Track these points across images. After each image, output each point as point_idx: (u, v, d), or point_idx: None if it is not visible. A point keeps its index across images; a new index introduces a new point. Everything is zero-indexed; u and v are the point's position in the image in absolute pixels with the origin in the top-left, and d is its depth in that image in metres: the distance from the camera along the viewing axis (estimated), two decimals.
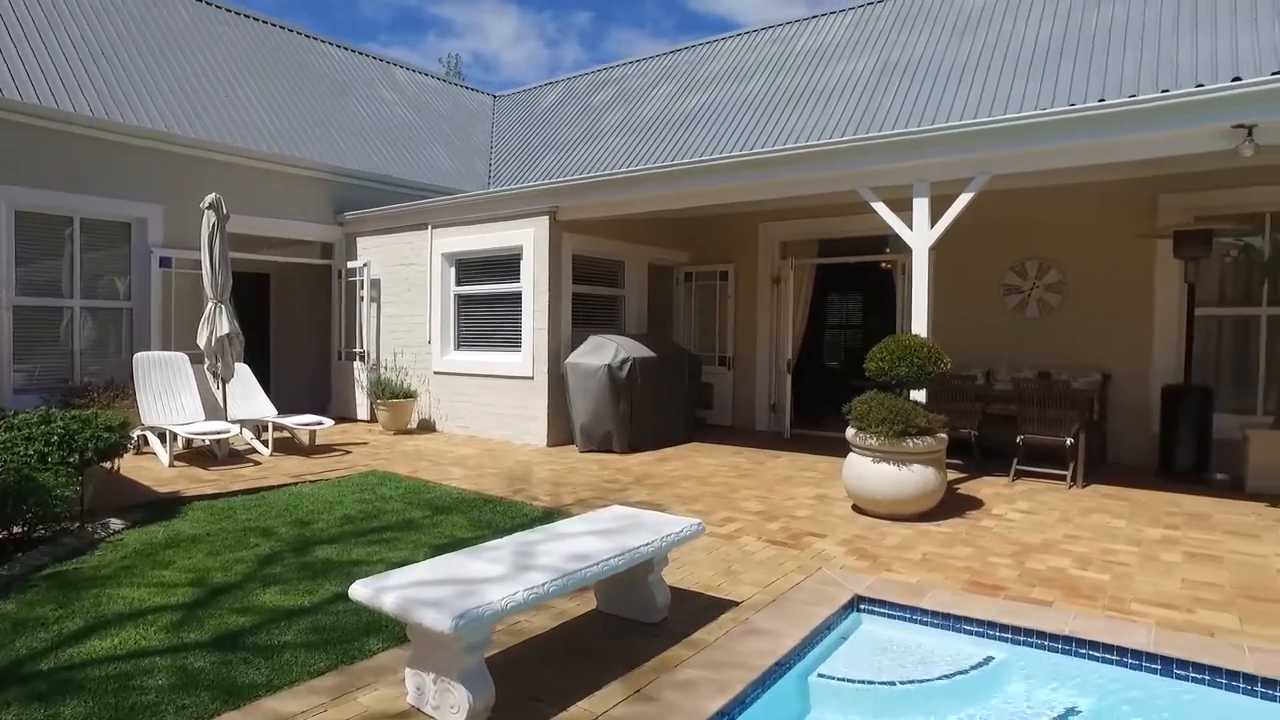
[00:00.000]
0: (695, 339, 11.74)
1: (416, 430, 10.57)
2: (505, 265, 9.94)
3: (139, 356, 8.53)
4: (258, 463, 8.06)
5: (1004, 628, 3.92)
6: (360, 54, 15.55)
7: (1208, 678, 3.48)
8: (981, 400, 8.21)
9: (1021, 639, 3.87)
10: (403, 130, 14.21)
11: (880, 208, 7.11)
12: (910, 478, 5.85)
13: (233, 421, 8.52)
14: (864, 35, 12.80)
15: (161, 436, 8.09)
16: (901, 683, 3.54)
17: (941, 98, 10.43)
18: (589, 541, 3.50)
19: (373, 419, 11.12)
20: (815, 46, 13.29)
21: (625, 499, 6.56)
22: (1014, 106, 9.57)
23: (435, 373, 10.61)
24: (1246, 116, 5.57)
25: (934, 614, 4.09)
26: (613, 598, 3.84)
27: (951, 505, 6.39)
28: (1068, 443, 7.27)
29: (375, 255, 11.46)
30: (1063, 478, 7.41)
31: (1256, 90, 5.47)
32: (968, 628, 4.00)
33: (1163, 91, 5.93)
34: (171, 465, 7.73)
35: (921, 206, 6.87)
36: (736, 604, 4.12)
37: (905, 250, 10.01)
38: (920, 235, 6.89)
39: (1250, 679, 3.41)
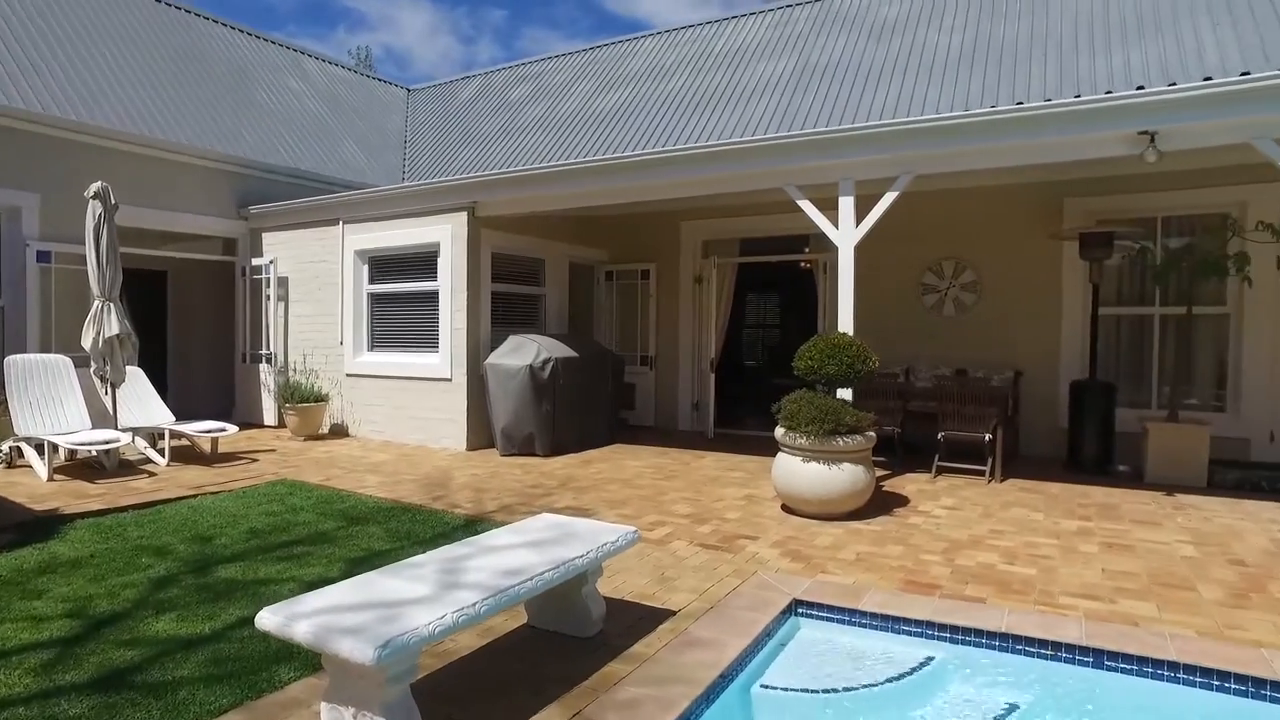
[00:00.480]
0: (616, 339, 11.59)
1: (328, 436, 10.04)
2: (422, 263, 9.54)
3: (10, 360, 7.76)
4: (152, 474, 7.45)
5: (942, 627, 3.90)
6: (266, 40, 14.75)
7: (1136, 668, 3.54)
8: (903, 398, 8.34)
9: (960, 638, 3.86)
10: (312, 122, 13.54)
11: (807, 206, 7.11)
12: (840, 477, 5.85)
13: (124, 430, 7.87)
14: (783, 37, 12.92)
15: (39, 448, 7.38)
16: (846, 689, 3.46)
17: (860, 100, 10.59)
18: (520, 554, 3.28)
19: (281, 425, 10.52)
20: (734, 47, 13.34)
21: (551, 504, 6.34)
22: (930, 110, 9.79)
23: (348, 375, 10.10)
24: (1150, 124, 5.79)
25: (873, 615, 4.04)
26: (545, 612, 3.63)
27: (879, 503, 6.43)
28: (986, 439, 7.45)
29: (283, 252, 10.84)
30: (982, 473, 7.59)
31: (1159, 100, 5.70)
32: (906, 628, 3.97)
33: (1075, 97, 6.12)
34: (51, 479, 7.05)
35: (847, 205, 6.90)
36: (673, 613, 3.97)
37: (826, 249, 10.17)
38: (846, 234, 6.92)
39: (1174, 666, 3.48)
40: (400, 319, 9.85)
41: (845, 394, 6.69)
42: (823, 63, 11.77)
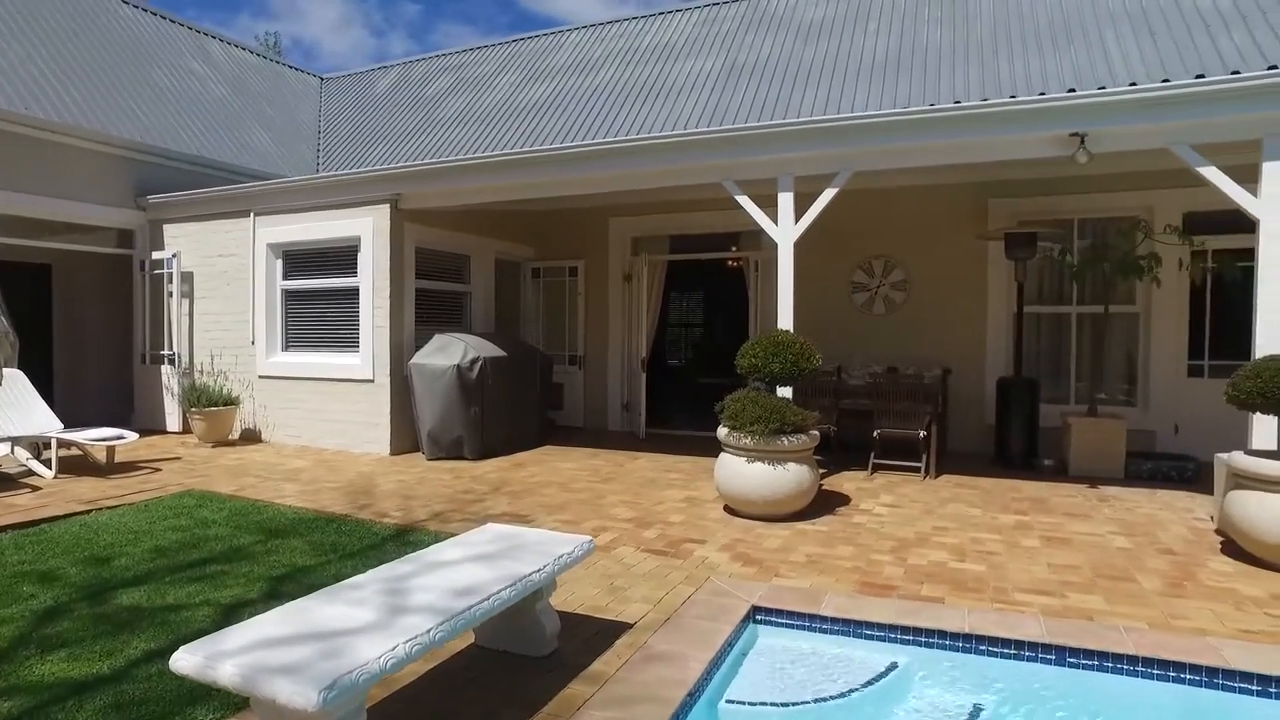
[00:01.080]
0: (543, 338, 11.29)
1: (239, 442, 9.38)
2: (341, 257, 9.02)
3: None
4: (36, 488, 6.75)
5: (904, 630, 3.81)
6: (166, 19, 13.76)
7: (1097, 663, 3.53)
8: (837, 396, 8.35)
9: (923, 640, 3.78)
10: (218, 108, 12.68)
11: (745, 202, 7.01)
12: (786, 477, 5.75)
13: (1, 440, 7.11)
14: (711, 34, 12.87)
15: None
16: (815, 700, 3.32)
17: (790, 99, 10.61)
18: (470, 570, 3.00)
19: (187, 430, 9.77)
20: (662, 42, 13.21)
21: (485, 511, 6.02)
22: (859, 110, 9.87)
23: (261, 377, 9.47)
24: (1080, 126, 5.92)
25: (833, 620, 3.92)
26: (496, 631, 3.35)
27: (821, 503, 6.37)
28: (921, 435, 7.52)
29: (187, 245, 10.08)
30: (917, 469, 7.66)
31: (1089, 103, 5.84)
32: (868, 632, 3.86)
33: (1010, 97, 6.20)
34: None
35: (786, 201, 6.84)
36: (630, 626, 3.76)
37: (757, 247, 10.16)
38: (785, 230, 6.85)
39: (1133, 660, 3.49)
40: (318, 317, 9.30)
41: (785, 393, 6.61)
42: (751, 61, 11.76)
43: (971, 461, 8.37)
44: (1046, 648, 3.61)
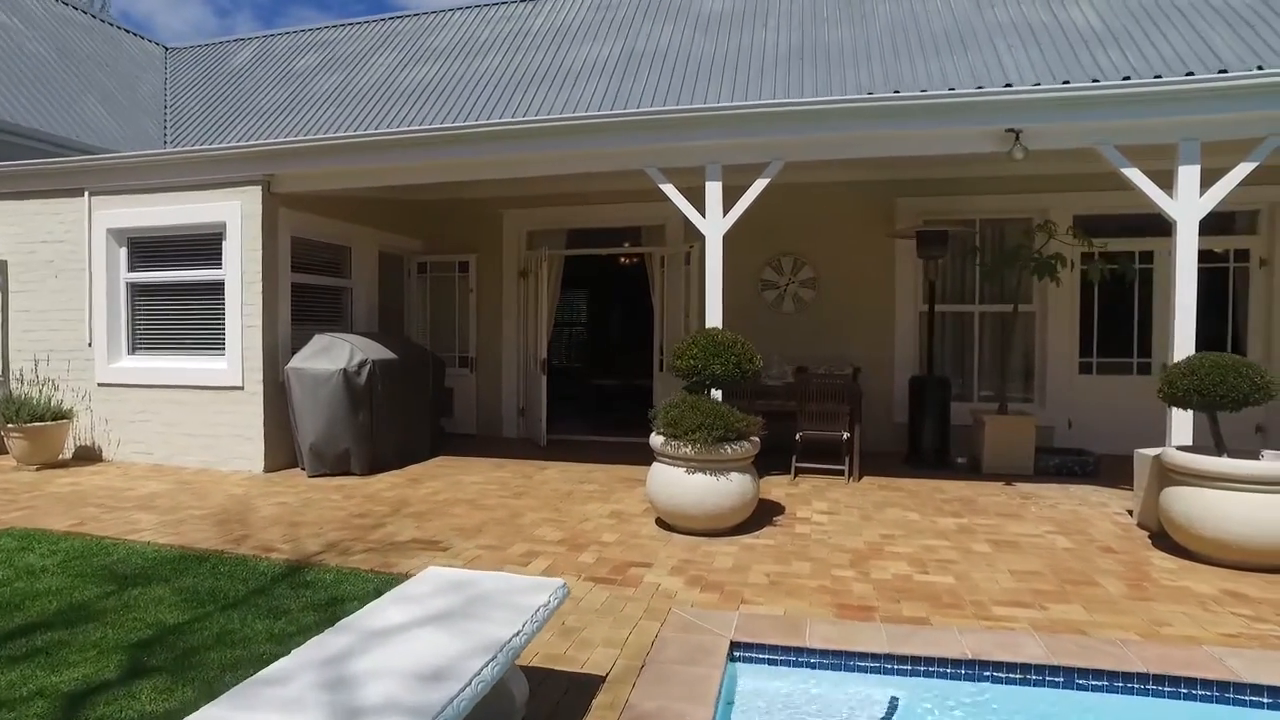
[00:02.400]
0: (430, 338, 10.40)
1: (74, 462, 7.96)
2: (202, 246, 7.82)
3: None
4: None
5: (901, 659, 3.44)
6: None
7: (1107, 683, 3.29)
8: (754, 397, 8.02)
9: (921, 669, 3.42)
10: (37, 70, 10.88)
11: (671, 191, 6.54)
12: (729, 488, 5.31)
13: None
14: (606, 20, 12.35)
15: None
16: None
17: (695, 89, 10.27)
18: (429, 639, 2.33)
19: (2, 451, 8.21)
20: (554, 26, 12.57)
21: (390, 538, 5.23)
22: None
23: (102, 385, 8.07)
24: (1014, 121, 5.84)
25: (822, 653, 3.50)
26: None
27: (757, 513, 5.98)
28: (844, 437, 7.32)
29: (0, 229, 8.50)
30: (840, 472, 7.45)
31: (1024, 98, 5.77)
32: (862, 664, 3.47)
33: (949, 90, 6.05)
34: None
35: (714, 191, 6.42)
36: (602, 679, 3.17)
37: (661, 242, 9.74)
38: (714, 222, 6.44)
39: (1144, 678, 3.28)
40: (173, 316, 8.04)
41: (715, 395, 6.19)
42: (650, 49, 11.34)
43: (885, 461, 8.28)
44: (1054, 670, 3.34)
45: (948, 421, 8.24)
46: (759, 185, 6.29)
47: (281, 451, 7.58)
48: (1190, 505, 4.86)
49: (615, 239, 10.42)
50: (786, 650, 3.53)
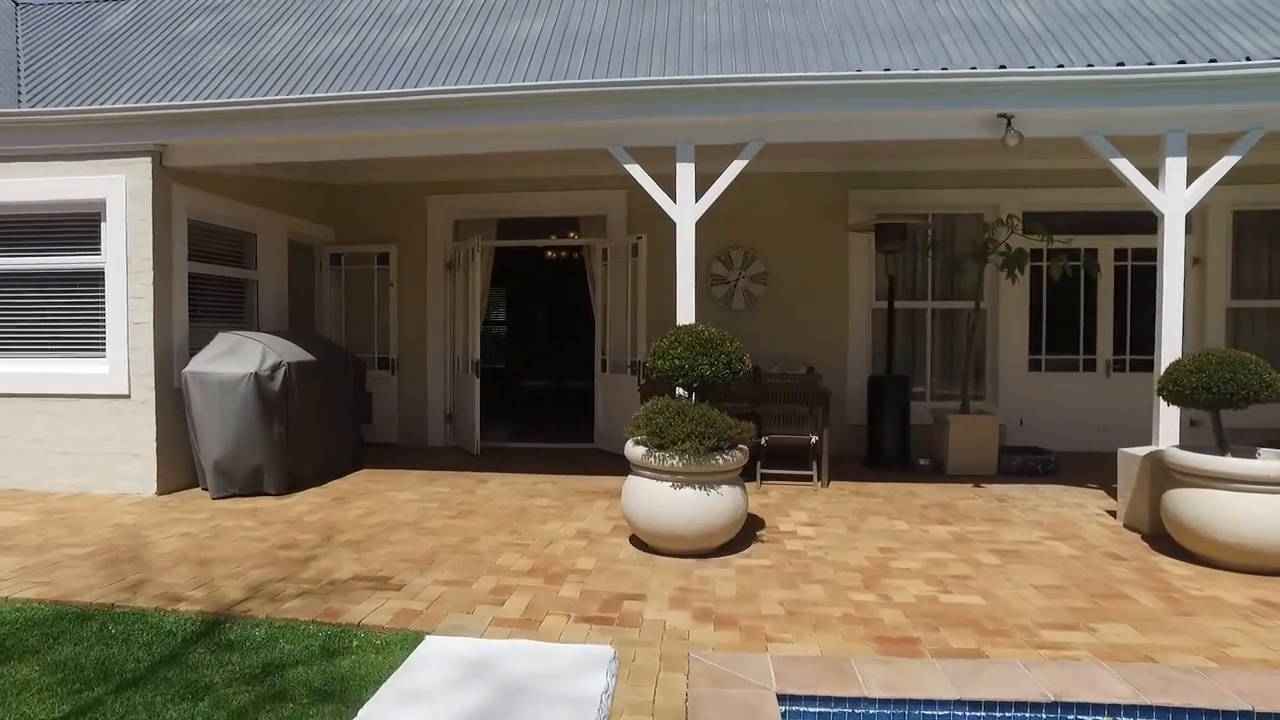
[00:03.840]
0: (345, 337, 9.39)
1: None
2: (74, 228, 6.61)
3: None
4: None
5: (974, 705, 2.95)
6: None
7: None
8: (724, 400, 7.47)
9: (997, 715, 2.94)
10: None
11: (637, 172, 5.93)
12: (721, 503, 4.74)
13: None
14: None
15: None
16: None
17: (637, 69, 9.64)
18: None
19: None
20: (478, 1, 11.68)
21: (328, 576, 4.38)
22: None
23: None
24: (1007, 105, 5.53)
25: (884, 703, 2.97)
26: None
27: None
28: (813, 440, 6.88)
29: None
30: (808, 478, 7.00)
31: (1019, 80, 5.49)
32: (929, 712, 2.96)
33: (942, 70, 5.68)
34: None
35: (686, 173, 5.84)
36: None
37: (602, 233, 9.09)
38: (685, 208, 5.86)
39: (1246, 714, 2.90)
40: (33, 310, 6.77)
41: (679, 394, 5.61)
42: (585, 28, 10.62)
43: (844, 464, 7.90)
44: (1146, 710, 2.92)
45: (908, 422, 7.95)
46: (735, 168, 5.75)
47: (178, 470, 6.49)
48: (1201, 508, 4.62)
49: (549, 230, 9.73)
50: (843, 701, 2.98)
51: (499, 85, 5.94)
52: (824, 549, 5.02)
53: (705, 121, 5.74)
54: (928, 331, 8.96)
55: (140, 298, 6.31)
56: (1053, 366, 8.91)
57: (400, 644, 3.35)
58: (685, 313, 5.81)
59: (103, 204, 6.40)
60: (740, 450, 4.92)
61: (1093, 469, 7.57)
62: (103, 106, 6.42)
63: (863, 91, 5.52)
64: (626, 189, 8.97)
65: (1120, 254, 8.72)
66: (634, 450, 4.92)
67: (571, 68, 9.80)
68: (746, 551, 4.97)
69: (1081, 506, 6.25)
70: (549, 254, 13.07)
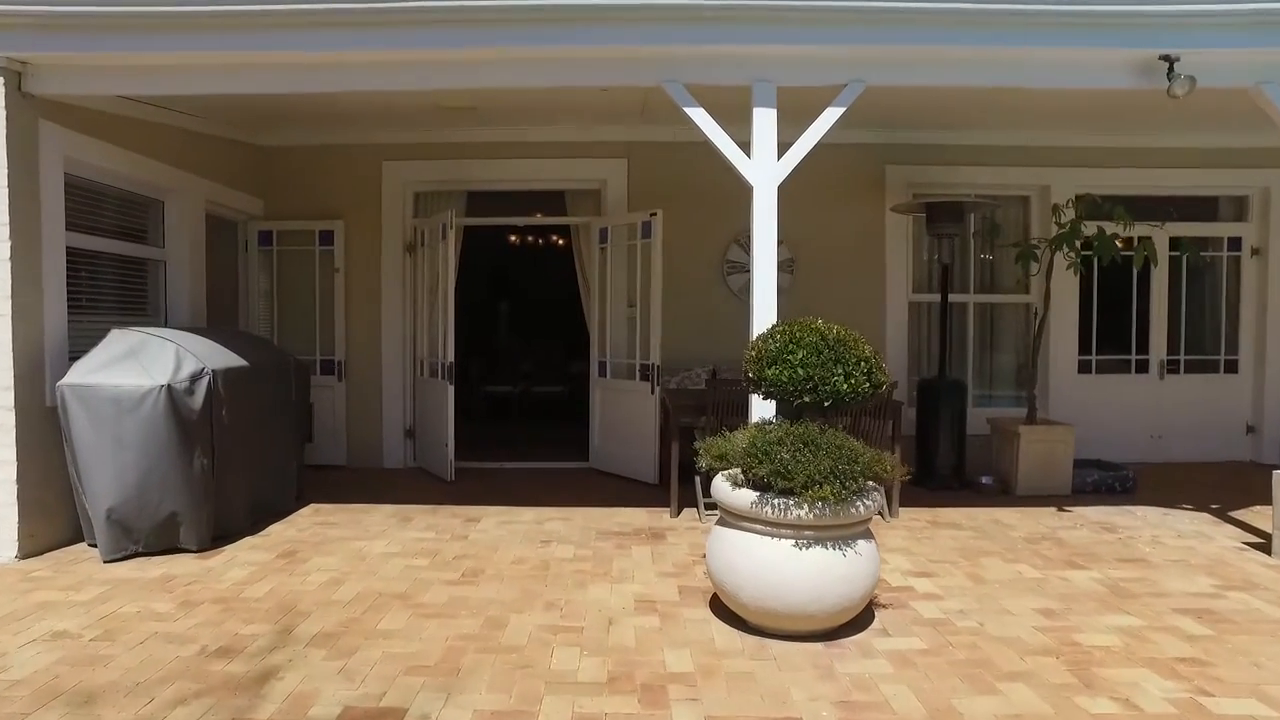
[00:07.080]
0: (277, 335, 7.63)
1: None
2: None
3: None
4: None
5: None
6: None
7: None
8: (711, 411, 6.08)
9: None
10: None
11: (699, 116, 4.51)
12: (861, 566, 3.41)
13: None
14: None
15: None
16: None
17: None
18: None
19: None
20: None
21: (302, 712, 2.81)
22: None
23: None
24: (1171, 43, 4.38)
25: None
26: None
27: None
28: None
29: None
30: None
31: (1188, 9, 4.30)
32: None
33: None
34: None
35: (766, 121, 4.46)
36: None
37: (594, 210, 7.62)
38: (763, 166, 4.49)
39: None
40: None
41: (768, 413, 4.28)
42: None
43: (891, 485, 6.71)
44: None
45: (965, 434, 6.84)
46: (830, 115, 4.42)
47: (52, 521, 4.70)
48: None
49: (533, 204, 8.18)
50: None
51: None
52: (968, 615, 3.77)
53: (796, 53, 4.36)
54: (969, 328, 7.89)
55: None
56: (1102, 368, 7.99)
57: None
58: (764, 306, 4.46)
59: None
60: (880, 490, 3.60)
61: (1171, 485, 6.69)
62: None
63: (997, 22, 4.23)
64: (626, 156, 7.55)
65: (1174, 243, 7.82)
66: (734, 496, 3.52)
67: None
68: (877, 626, 3.65)
69: (1207, 538, 5.23)
70: (520, 237, 11.46)
